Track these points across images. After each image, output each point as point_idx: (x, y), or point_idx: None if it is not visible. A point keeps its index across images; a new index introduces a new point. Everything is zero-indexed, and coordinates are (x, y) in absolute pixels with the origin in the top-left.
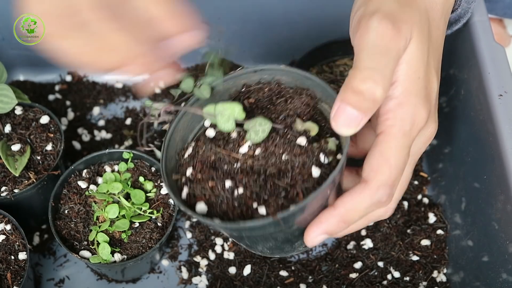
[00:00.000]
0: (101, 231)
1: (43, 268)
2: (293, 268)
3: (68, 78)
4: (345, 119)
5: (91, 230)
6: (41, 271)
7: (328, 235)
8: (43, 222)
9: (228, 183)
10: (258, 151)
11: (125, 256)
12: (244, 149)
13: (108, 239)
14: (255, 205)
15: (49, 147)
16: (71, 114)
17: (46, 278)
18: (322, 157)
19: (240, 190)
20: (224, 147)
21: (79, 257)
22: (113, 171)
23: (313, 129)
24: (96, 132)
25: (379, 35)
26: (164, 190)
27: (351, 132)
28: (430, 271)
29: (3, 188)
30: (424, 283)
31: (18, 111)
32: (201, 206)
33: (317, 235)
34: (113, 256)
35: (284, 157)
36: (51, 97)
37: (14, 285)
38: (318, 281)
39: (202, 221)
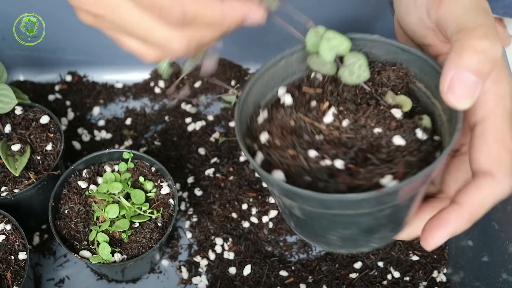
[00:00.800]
0: (101, 231)
1: (43, 268)
2: (293, 268)
3: (68, 78)
4: (464, 88)
5: (91, 230)
6: (41, 271)
7: (452, 235)
8: (43, 222)
9: (312, 153)
10: (345, 122)
11: (125, 256)
12: (328, 118)
13: (108, 239)
14: (345, 178)
15: (49, 147)
16: (71, 114)
17: (46, 278)
18: (419, 133)
19: (328, 161)
20: (306, 114)
21: (79, 257)
22: (113, 171)
23: (407, 104)
24: (96, 132)
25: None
26: (164, 190)
27: (470, 103)
28: (430, 271)
29: (3, 188)
30: (424, 283)
31: (18, 111)
32: (278, 175)
33: (443, 237)
34: (113, 256)
35: (376, 130)
36: (51, 97)
37: (14, 285)
38: (318, 281)
39: (286, 188)
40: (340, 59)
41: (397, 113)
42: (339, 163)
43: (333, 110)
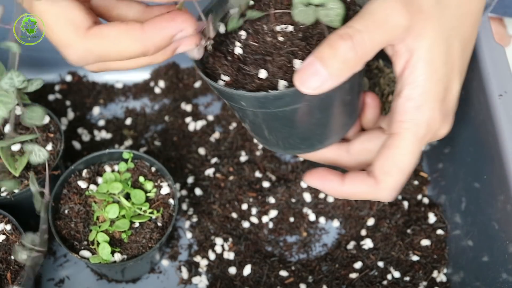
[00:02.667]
0: (101, 231)
1: (43, 268)
2: (293, 268)
3: (68, 78)
4: (309, 75)
5: (91, 230)
6: (41, 271)
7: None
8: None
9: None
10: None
11: (125, 256)
12: (279, 27)
13: (108, 239)
14: (280, 82)
15: (49, 147)
16: (71, 114)
17: (46, 278)
18: None
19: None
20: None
21: (79, 257)
22: (113, 171)
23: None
24: (96, 132)
25: (383, 6)
26: (164, 190)
27: (311, 91)
28: (430, 271)
29: (3, 188)
30: (424, 283)
31: (18, 111)
32: (222, 82)
33: (313, 185)
34: (113, 256)
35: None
36: (51, 97)
37: (14, 285)
38: (318, 281)
39: (224, 91)
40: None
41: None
42: (263, 74)
43: (288, 27)
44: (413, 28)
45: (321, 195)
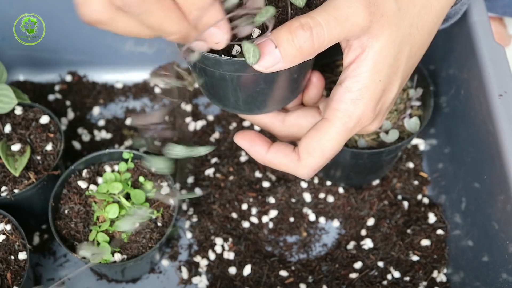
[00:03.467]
0: (101, 231)
1: (43, 268)
2: (293, 268)
3: (68, 78)
4: (265, 54)
5: (91, 230)
6: (41, 271)
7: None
8: (43, 222)
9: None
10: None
11: (125, 256)
12: None
13: (108, 239)
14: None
15: (49, 147)
16: (71, 114)
17: (46, 278)
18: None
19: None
20: None
21: (79, 257)
22: (113, 171)
23: None
24: (96, 132)
25: (346, 2)
26: (164, 190)
27: (261, 69)
28: (430, 271)
29: (3, 188)
30: (424, 283)
31: (18, 111)
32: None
33: (241, 143)
34: (113, 256)
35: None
36: (51, 97)
37: (14, 285)
38: (318, 281)
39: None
40: None
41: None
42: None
43: None
44: (371, 29)
45: (321, 195)
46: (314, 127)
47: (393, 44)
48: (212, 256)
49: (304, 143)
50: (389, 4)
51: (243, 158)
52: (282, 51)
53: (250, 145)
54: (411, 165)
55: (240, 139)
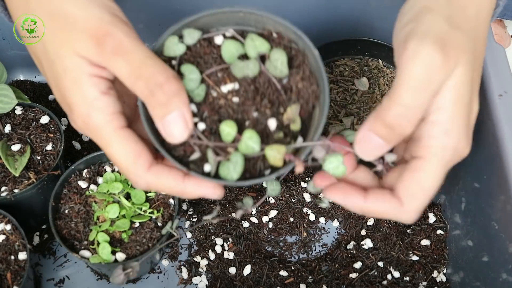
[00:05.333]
0: (102, 231)
1: (43, 268)
2: (293, 268)
3: None
4: (370, 148)
5: (91, 230)
6: (41, 271)
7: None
8: (43, 222)
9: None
10: (236, 99)
11: (125, 256)
12: (225, 88)
13: (108, 239)
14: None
15: (49, 147)
16: None
17: (46, 278)
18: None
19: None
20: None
21: (79, 257)
22: (113, 171)
23: (296, 123)
24: None
25: (426, 66)
26: None
27: (372, 158)
28: (430, 271)
29: (3, 188)
30: (424, 283)
31: (18, 111)
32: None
33: (334, 198)
34: (113, 255)
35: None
36: (51, 97)
37: (14, 285)
38: (318, 281)
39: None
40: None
41: (272, 124)
42: (201, 125)
43: (233, 85)
44: (447, 63)
45: (321, 195)
46: (409, 168)
47: (469, 68)
48: (212, 256)
49: (403, 187)
50: (455, 34)
51: None
52: (388, 142)
53: (345, 197)
54: None
55: (332, 194)
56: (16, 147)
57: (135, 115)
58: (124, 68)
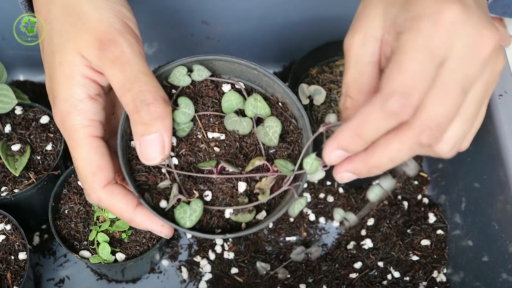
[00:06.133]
0: (101, 231)
1: (43, 268)
2: (293, 268)
3: None
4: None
5: (91, 230)
6: (41, 271)
7: (345, 150)
8: (43, 222)
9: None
10: (217, 149)
11: (125, 256)
12: (211, 135)
13: (108, 239)
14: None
15: (49, 147)
16: None
17: (46, 278)
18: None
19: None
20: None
21: (79, 257)
22: None
23: (265, 193)
24: None
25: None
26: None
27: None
28: (430, 271)
29: (3, 188)
30: (424, 283)
31: (18, 111)
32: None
33: (332, 150)
34: (113, 256)
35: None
36: None
37: (14, 285)
38: (318, 281)
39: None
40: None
41: (241, 187)
42: (174, 160)
43: (220, 135)
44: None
45: (321, 195)
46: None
47: None
48: (212, 256)
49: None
50: None
51: None
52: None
53: (337, 143)
54: None
55: (330, 153)
56: (16, 147)
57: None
58: (118, 77)
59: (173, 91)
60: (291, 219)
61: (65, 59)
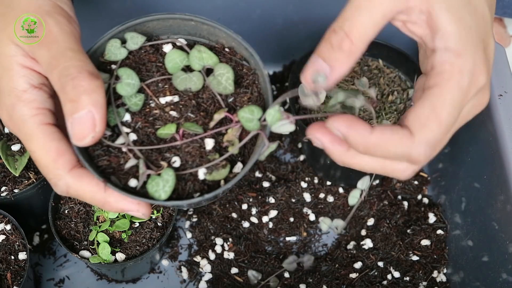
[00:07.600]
0: (101, 231)
1: (43, 268)
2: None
3: None
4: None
5: (91, 230)
6: (41, 271)
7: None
8: (43, 222)
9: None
10: (174, 113)
11: (125, 256)
12: (164, 100)
13: (108, 239)
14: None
15: None
16: None
17: (46, 278)
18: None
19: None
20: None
21: (79, 257)
22: None
23: (234, 144)
24: None
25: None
26: None
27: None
28: (430, 271)
29: (3, 188)
30: (424, 283)
31: None
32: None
33: (338, 126)
34: (113, 256)
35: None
36: None
37: (14, 285)
38: (318, 281)
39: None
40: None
41: (209, 145)
42: (132, 135)
43: (172, 97)
44: None
45: (321, 195)
46: (421, 97)
47: None
48: (212, 256)
49: (413, 116)
50: None
51: None
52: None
53: (349, 127)
54: None
55: (336, 123)
56: (16, 147)
57: None
58: (45, 56)
59: (113, 66)
60: (291, 219)
61: (1, 52)
